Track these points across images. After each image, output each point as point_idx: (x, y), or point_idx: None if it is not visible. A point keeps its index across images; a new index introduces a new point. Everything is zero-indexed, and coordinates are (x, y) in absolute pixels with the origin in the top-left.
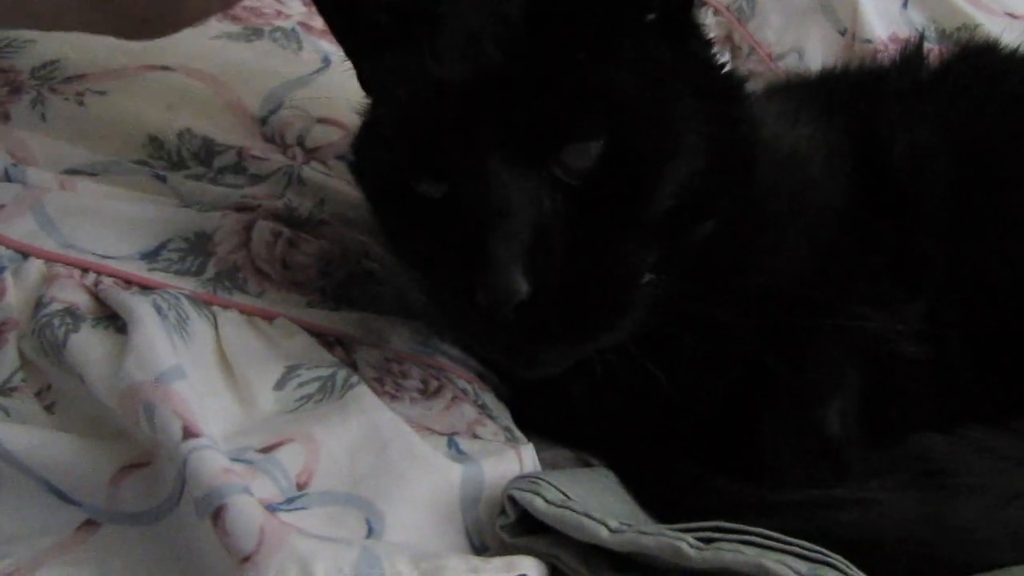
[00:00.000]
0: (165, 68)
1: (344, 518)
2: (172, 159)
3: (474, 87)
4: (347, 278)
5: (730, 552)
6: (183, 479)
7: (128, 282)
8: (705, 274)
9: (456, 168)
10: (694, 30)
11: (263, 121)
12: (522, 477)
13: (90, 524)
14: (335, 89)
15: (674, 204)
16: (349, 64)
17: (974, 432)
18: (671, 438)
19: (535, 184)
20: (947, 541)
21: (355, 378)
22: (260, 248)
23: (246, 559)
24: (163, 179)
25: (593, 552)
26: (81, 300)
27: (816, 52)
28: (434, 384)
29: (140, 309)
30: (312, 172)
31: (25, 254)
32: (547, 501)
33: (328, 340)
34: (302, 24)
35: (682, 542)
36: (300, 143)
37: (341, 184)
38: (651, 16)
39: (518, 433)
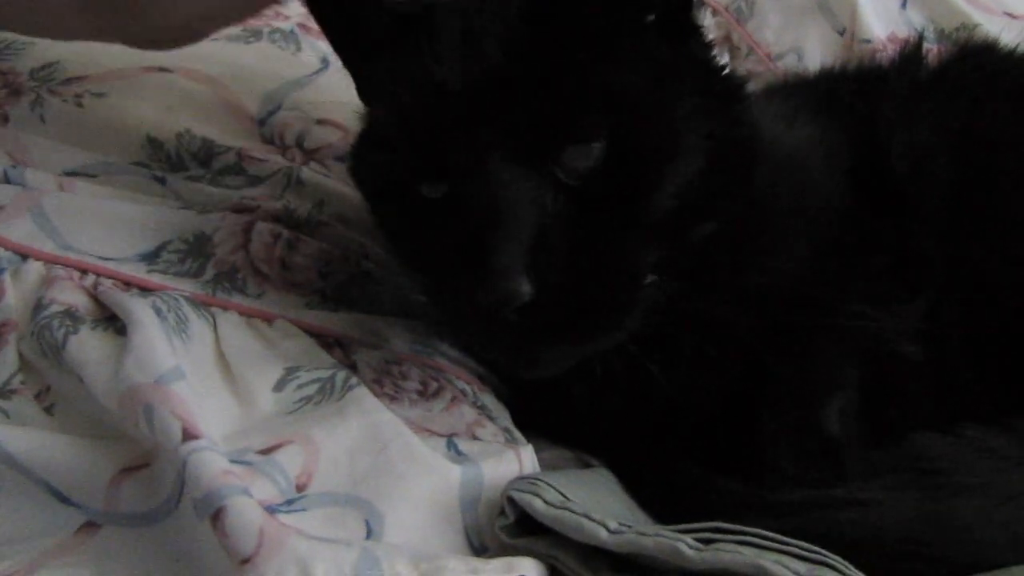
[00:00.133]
0: (164, 69)
1: (343, 519)
2: (171, 160)
3: (474, 87)
4: (346, 279)
5: (729, 553)
6: (182, 480)
7: (127, 284)
8: (705, 274)
9: (457, 168)
10: (694, 31)
11: (262, 122)
12: (521, 478)
13: (90, 526)
14: (334, 90)
15: (675, 204)
16: None
17: (973, 432)
18: (670, 438)
19: (536, 184)
20: (946, 541)
21: (354, 379)
22: (259, 249)
23: (245, 561)
24: (162, 180)
25: (592, 553)
26: (80, 302)
27: (815, 52)
28: (433, 385)
29: (139, 311)
30: (311, 173)
31: (24, 256)
32: (546, 502)
33: (327, 341)
34: (301, 25)
35: (681, 543)
36: (299, 144)
37: (340, 185)
38: (651, 17)
39: (517, 434)
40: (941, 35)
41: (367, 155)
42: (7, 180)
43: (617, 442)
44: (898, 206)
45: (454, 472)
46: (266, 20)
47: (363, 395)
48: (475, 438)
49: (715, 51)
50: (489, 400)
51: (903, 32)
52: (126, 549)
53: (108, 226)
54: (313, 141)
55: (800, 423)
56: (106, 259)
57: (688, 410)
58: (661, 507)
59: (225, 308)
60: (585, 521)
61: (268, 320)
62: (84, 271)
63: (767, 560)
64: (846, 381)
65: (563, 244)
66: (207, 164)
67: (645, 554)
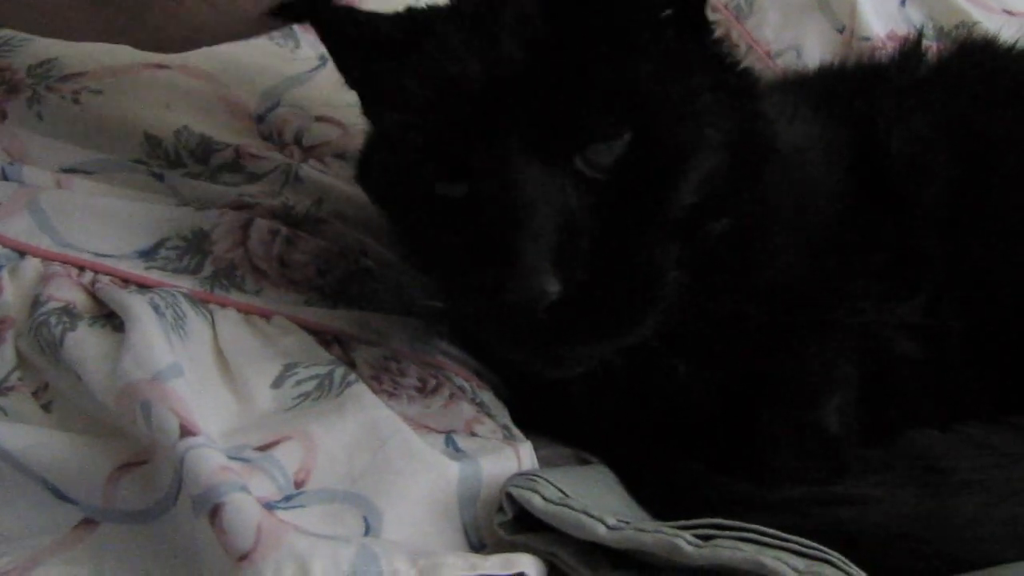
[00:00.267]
0: (162, 66)
1: (342, 516)
2: (169, 157)
3: (495, 85)
4: (345, 276)
5: (728, 549)
6: (180, 477)
7: (125, 280)
8: (714, 272)
9: (478, 167)
10: (707, 27)
11: (260, 119)
12: (520, 474)
13: (87, 522)
14: (333, 87)
15: (696, 199)
16: None
17: (972, 428)
18: (670, 435)
19: (560, 180)
20: (946, 537)
21: (353, 376)
22: (257, 246)
23: (243, 557)
24: (160, 177)
25: (591, 549)
26: (78, 298)
27: (814, 50)
28: (432, 382)
29: (137, 307)
30: (310, 170)
31: (22, 253)
32: (545, 499)
33: (326, 338)
34: None
35: (680, 539)
36: (298, 141)
37: (339, 182)
38: (667, 12)
39: (516, 431)
40: (940, 32)
41: (378, 159)
42: (5, 177)
43: (617, 440)
44: (897, 203)
45: (452, 469)
46: None
47: (361, 392)
48: (473, 435)
49: (727, 47)
50: (488, 397)
51: (902, 30)
52: (124, 546)
53: (106, 223)
54: (312, 138)
55: (799, 420)
56: (104, 256)
57: (688, 407)
58: (661, 505)
59: (223, 305)
60: (584, 517)
61: (266, 317)
62: (82, 268)
63: (766, 556)
64: (845, 379)
65: (588, 241)
66: (205, 161)
67: (644, 550)
